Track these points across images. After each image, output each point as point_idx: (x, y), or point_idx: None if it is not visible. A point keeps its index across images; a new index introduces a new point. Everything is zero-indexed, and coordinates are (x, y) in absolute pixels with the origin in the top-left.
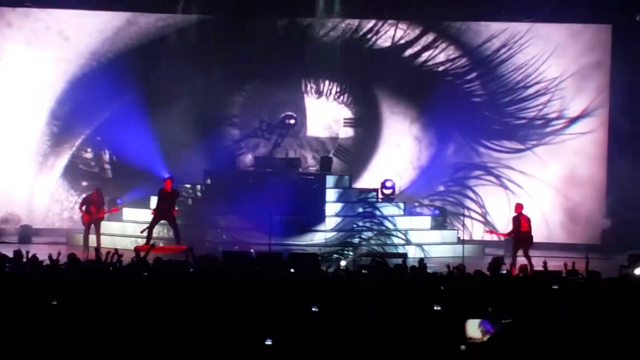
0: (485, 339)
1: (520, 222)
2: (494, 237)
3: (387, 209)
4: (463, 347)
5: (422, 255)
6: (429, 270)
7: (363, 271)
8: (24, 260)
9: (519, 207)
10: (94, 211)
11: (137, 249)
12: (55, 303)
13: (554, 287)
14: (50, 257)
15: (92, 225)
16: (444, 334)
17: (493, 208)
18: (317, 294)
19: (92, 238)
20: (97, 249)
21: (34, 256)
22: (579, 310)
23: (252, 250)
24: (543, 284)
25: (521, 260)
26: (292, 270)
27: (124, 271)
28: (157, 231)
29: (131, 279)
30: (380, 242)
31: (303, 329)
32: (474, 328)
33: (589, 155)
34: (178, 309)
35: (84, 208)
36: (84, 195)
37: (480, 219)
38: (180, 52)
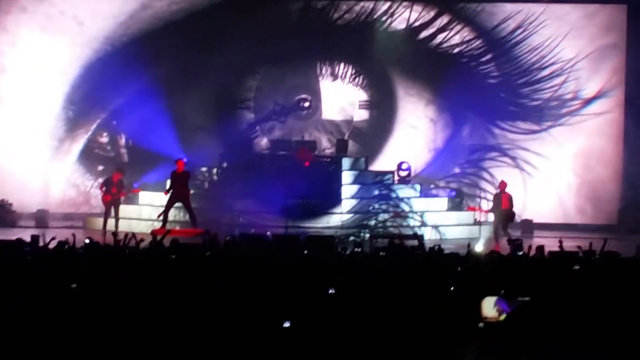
0: (501, 318)
1: (502, 200)
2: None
3: (403, 191)
4: (481, 324)
5: (438, 237)
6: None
7: (381, 253)
8: (41, 244)
9: (502, 184)
10: (115, 192)
11: (153, 233)
12: (74, 286)
13: (575, 267)
14: (66, 240)
15: (112, 207)
16: (461, 313)
17: (509, 189)
18: (334, 276)
19: (111, 221)
20: (115, 232)
21: (52, 239)
22: (597, 290)
23: (268, 233)
24: (561, 265)
25: (538, 241)
26: (305, 252)
27: (141, 254)
28: (173, 215)
29: (149, 262)
30: (397, 224)
31: (320, 312)
32: (489, 307)
33: (605, 136)
34: (195, 292)
35: (104, 189)
36: (101, 179)
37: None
38: (194, 36)
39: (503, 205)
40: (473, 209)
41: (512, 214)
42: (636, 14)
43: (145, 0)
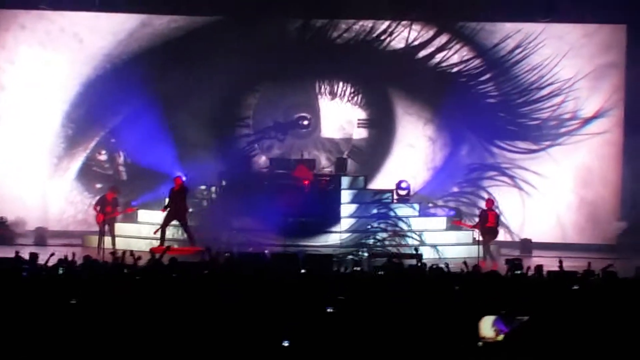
0: (499, 338)
1: (488, 217)
2: (505, 237)
3: (402, 210)
4: (480, 343)
5: (436, 256)
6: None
7: (379, 272)
8: (41, 263)
9: (489, 202)
10: (109, 211)
11: (152, 251)
12: (74, 302)
13: (574, 287)
14: (65, 258)
15: (107, 226)
16: (460, 332)
17: (507, 209)
18: (332, 295)
19: (107, 240)
20: (113, 251)
21: (51, 256)
22: (596, 310)
23: (266, 252)
24: (559, 284)
25: (536, 260)
26: (302, 271)
27: (140, 272)
28: (171, 233)
29: (147, 280)
30: (395, 243)
31: (319, 330)
32: (487, 326)
33: (604, 155)
34: (194, 309)
35: (98, 208)
36: (98, 197)
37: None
38: (194, 54)
39: (489, 222)
40: (458, 223)
41: (496, 233)
42: (635, 34)
43: (145, 18)
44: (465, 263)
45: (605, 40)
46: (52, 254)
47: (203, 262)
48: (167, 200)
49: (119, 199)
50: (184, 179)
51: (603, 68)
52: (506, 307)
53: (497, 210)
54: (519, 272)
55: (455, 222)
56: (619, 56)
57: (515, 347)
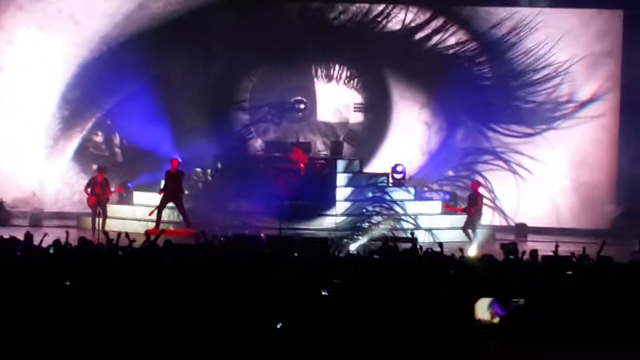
0: (495, 320)
1: (477, 200)
2: (501, 221)
3: (397, 194)
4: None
5: (431, 240)
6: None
7: (375, 256)
8: (36, 243)
9: (476, 184)
10: (99, 192)
11: (147, 233)
12: (67, 284)
13: (568, 272)
14: (59, 240)
15: (98, 207)
16: (455, 316)
17: (502, 193)
18: (327, 278)
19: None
20: (105, 232)
21: (45, 236)
22: (591, 295)
23: (262, 235)
24: (554, 269)
25: (531, 245)
26: (295, 254)
27: (134, 254)
28: (167, 215)
29: (142, 262)
30: (390, 227)
31: (313, 313)
32: (482, 309)
33: (599, 140)
34: (189, 292)
35: (89, 190)
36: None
37: (490, 204)
38: (190, 36)
39: (478, 205)
40: (448, 208)
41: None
42: (632, 20)
43: (141, 1)
44: (461, 250)
45: (601, 25)
46: (46, 234)
47: (198, 245)
48: (162, 182)
49: (109, 179)
50: (180, 161)
51: (599, 52)
52: (501, 291)
53: (482, 192)
54: (513, 256)
55: (447, 207)
56: (615, 41)
57: (510, 330)
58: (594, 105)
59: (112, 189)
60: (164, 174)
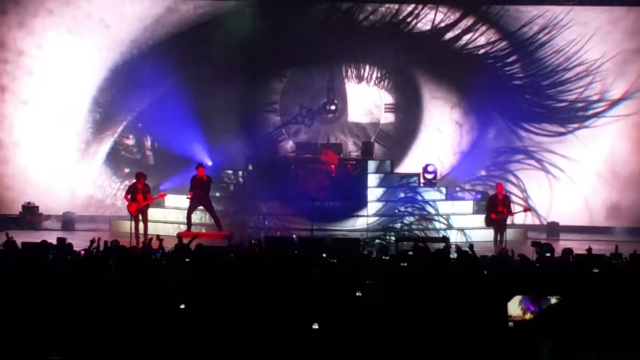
0: (527, 317)
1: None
2: (531, 221)
3: (429, 194)
4: (510, 324)
5: (463, 240)
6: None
7: (409, 253)
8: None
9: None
10: (141, 199)
11: (179, 235)
12: (102, 288)
13: (594, 270)
14: (91, 248)
15: (140, 214)
16: (489, 314)
17: (535, 192)
18: (361, 279)
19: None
20: (145, 239)
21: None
22: (622, 294)
23: (294, 236)
24: (587, 267)
25: (563, 244)
26: (324, 255)
27: (167, 258)
28: (198, 217)
29: (174, 265)
30: (422, 227)
31: (348, 314)
32: (514, 306)
33: (631, 138)
34: (224, 293)
35: (129, 197)
36: (127, 182)
37: (522, 203)
38: (220, 39)
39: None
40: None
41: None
42: None
43: (171, 4)
44: (471, 247)
45: (631, 23)
46: (97, 240)
47: (230, 247)
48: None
49: (148, 185)
50: (210, 163)
51: (630, 50)
52: (533, 290)
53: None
54: (548, 254)
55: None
56: None
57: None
58: (625, 104)
59: (152, 194)
60: (190, 180)
